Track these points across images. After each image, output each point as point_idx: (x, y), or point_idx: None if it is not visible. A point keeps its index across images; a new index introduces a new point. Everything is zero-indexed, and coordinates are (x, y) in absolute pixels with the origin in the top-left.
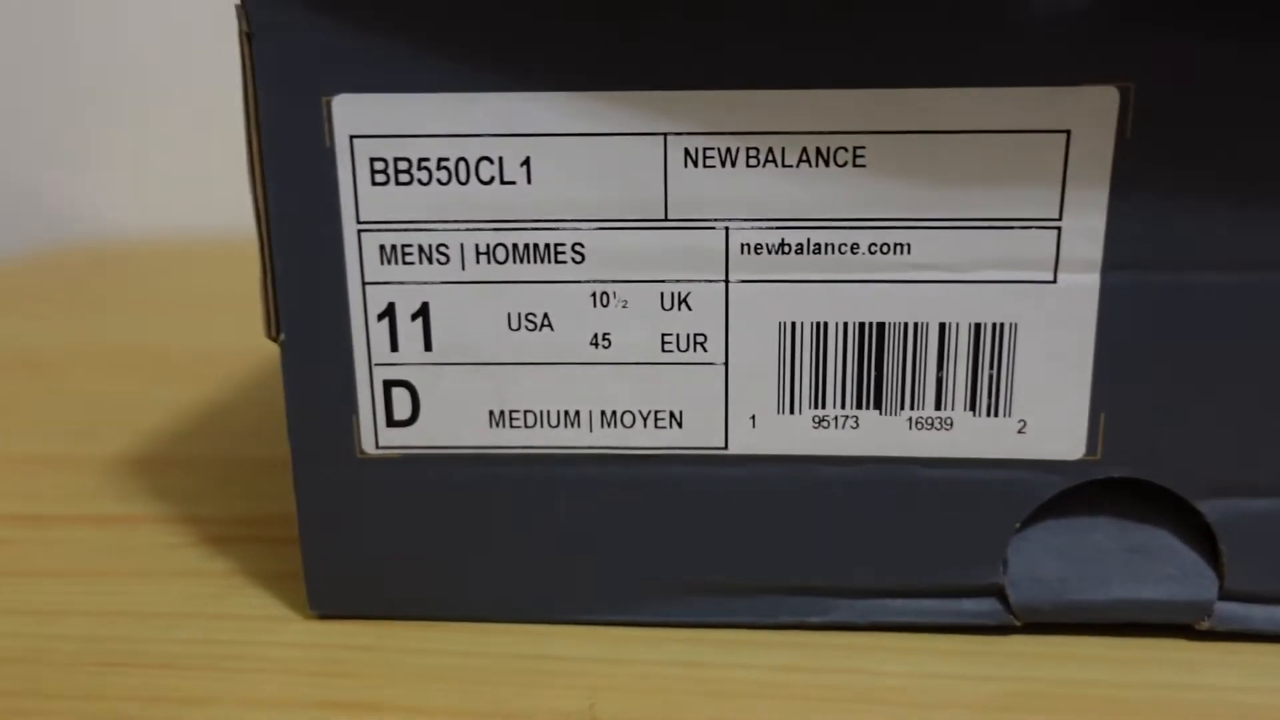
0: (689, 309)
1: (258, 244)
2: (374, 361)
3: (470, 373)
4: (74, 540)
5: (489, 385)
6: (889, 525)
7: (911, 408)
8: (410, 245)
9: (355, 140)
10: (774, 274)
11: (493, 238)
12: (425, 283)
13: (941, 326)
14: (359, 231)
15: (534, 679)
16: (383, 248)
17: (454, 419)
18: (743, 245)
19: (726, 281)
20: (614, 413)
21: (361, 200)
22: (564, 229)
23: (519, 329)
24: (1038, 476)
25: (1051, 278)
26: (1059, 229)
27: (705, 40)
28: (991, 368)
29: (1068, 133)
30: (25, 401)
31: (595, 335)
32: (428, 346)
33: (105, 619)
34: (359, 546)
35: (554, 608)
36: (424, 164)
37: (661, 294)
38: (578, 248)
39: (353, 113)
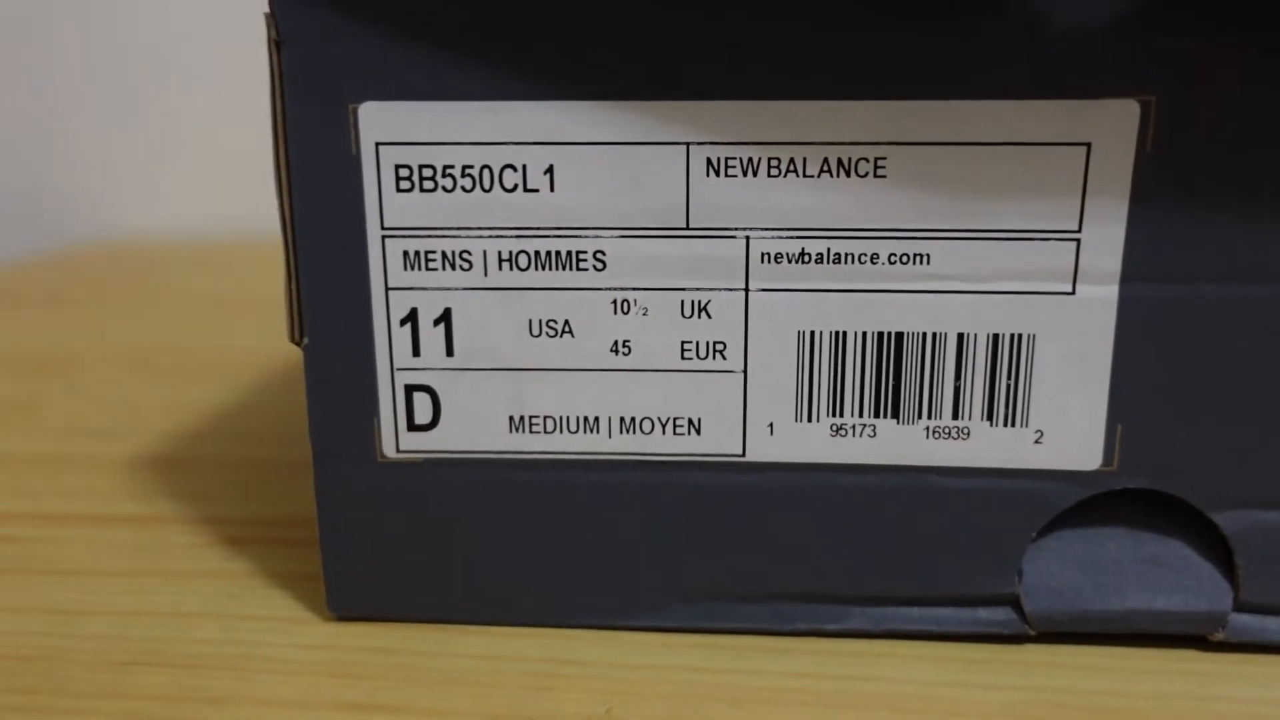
0: (709, 317)
1: (283, 248)
2: (396, 366)
3: (491, 378)
4: (94, 540)
5: (509, 390)
6: (905, 534)
7: (929, 417)
8: (433, 251)
9: (381, 147)
10: (794, 283)
11: (515, 245)
12: (448, 289)
13: (960, 336)
14: (383, 237)
15: (551, 683)
16: (406, 254)
17: (474, 424)
18: (763, 254)
19: (746, 290)
20: (633, 419)
21: (386, 206)
22: (586, 237)
23: (540, 335)
24: (1054, 487)
25: (1070, 289)
26: (1078, 241)
27: (728, 51)
28: (1009, 378)
29: (1088, 145)
30: (45, 401)
31: (615, 342)
32: (449, 352)
33: (125, 618)
34: (379, 549)
35: (571, 612)
36: (448, 171)
37: (682, 302)
38: (599, 255)
39: (378, 120)
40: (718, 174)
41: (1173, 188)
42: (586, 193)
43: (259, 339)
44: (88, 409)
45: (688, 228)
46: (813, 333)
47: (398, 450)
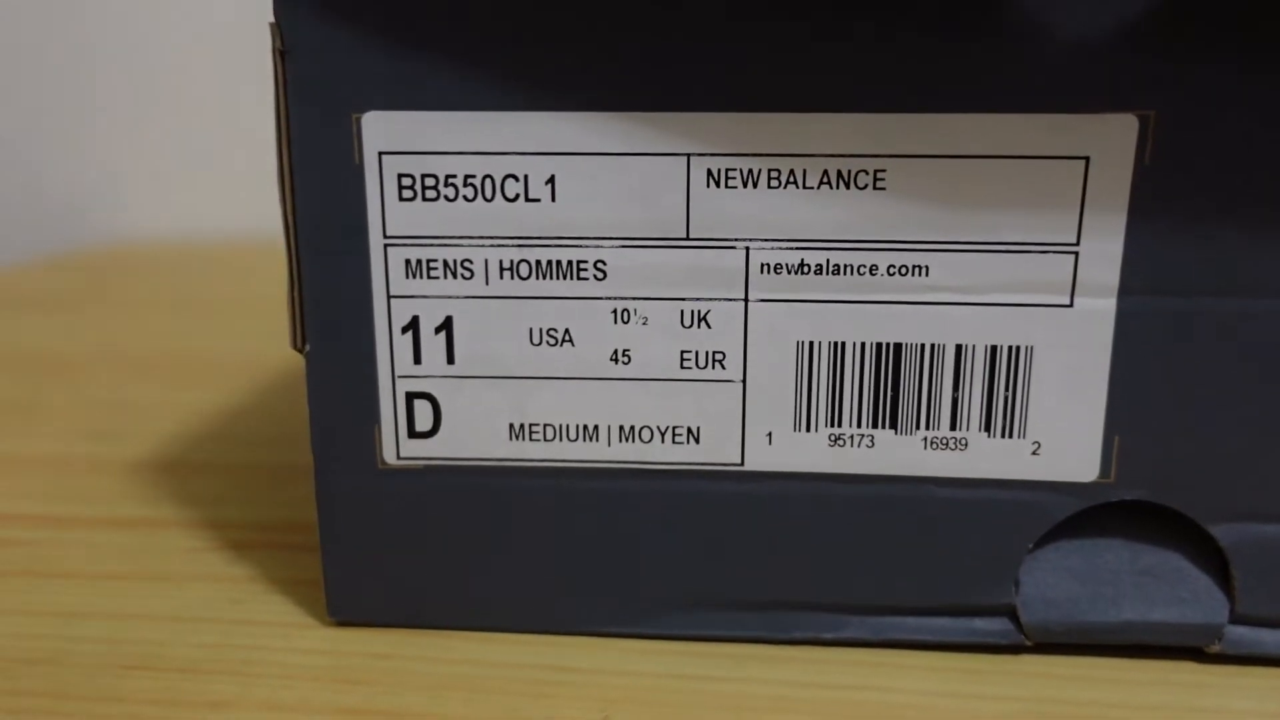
0: (708, 327)
1: (285, 256)
2: (397, 373)
3: (491, 386)
4: (96, 543)
5: (510, 398)
6: (903, 543)
7: (927, 428)
8: (435, 260)
9: (384, 157)
10: (793, 294)
11: (516, 254)
12: (449, 297)
13: (958, 348)
14: (385, 246)
15: (549, 690)
16: (408, 262)
17: (475, 431)
18: (763, 265)
19: (746, 300)
20: (632, 428)
21: (389, 215)
22: (587, 246)
23: (540, 344)
24: (1051, 498)
25: (1068, 301)
26: (1076, 254)
27: (729, 63)
28: (1007, 389)
29: (1087, 159)
30: (49, 404)
31: (615, 351)
32: (450, 359)
33: (126, 622)
34: (378, 555)
35: (570, 619)
36: (450, 181)
37: (681, 312)
38: (600, 265)
39: (382, 130)
40: (718, 185)
41: (1171, 202)
42: (587, 203)
43: (263, 342)
44: (91, 411)
45: (688, 238)
46: (812, 343)
47: (398, 457)
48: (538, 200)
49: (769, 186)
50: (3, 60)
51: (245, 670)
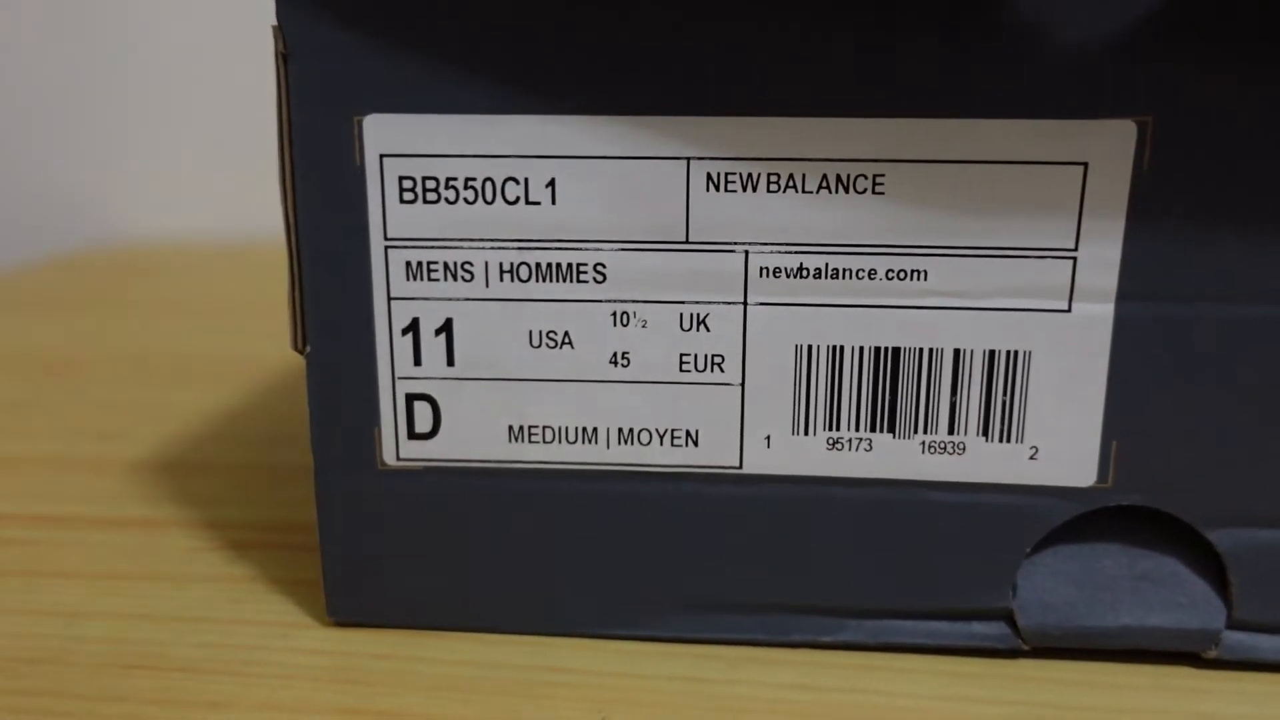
0: (707, 330)
1: (287, 257)
2: (397, 375)
3: (491, 388)
4: (97, 543)
5: (509, 401)
6: (900, 547)
7: (925, 432)
8: (436, 262)
9: (385, 159)
10: (792, 297)
11: (516, 256)
12: (449, 299)
13: (956, 352)
14: (386, 248)
15: (546, 691)
16: (409, 264)
17: (474, 433)
18: (761, 269)
19: (745, 304)
20: (631, 430)
21: (390, 217)
22: (586, 249)
23: (540, 346)
24: (1049, 502)
25: (1066, 307)
26: (1074, 259)
27: (729, 67)
28: (1005, 394)
29: (1085, 165)
30: (51, 404)
31: (615, 354)
32: (450, 361)
33: (126, 621)
34: (377, 556)
35: (568, 620)
36: (451, 183)
37: (681, 315)
38: (599, 268)
39: (383, 132)
40: (717, 189)
41: (1169, 208)
42: (587, 206)
43: (264, 343)
44: (92, 412)
45: (687, 241)
46: (810, 347)
47: (398, 458)
48: (538, 203)
49: (768, 190)
50: (4, 60)
51: (245, 670)
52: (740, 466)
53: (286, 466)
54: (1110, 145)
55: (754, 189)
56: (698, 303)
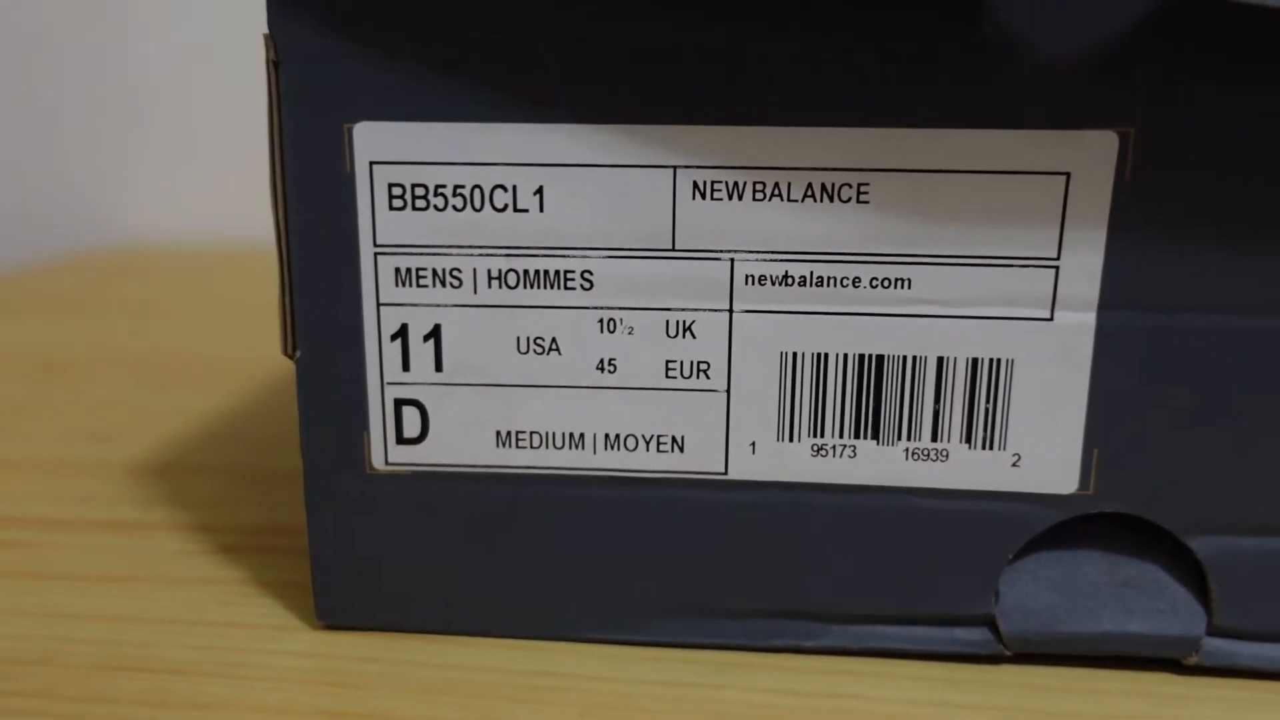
0: (693, 337)
1: (277, 263)
2: (386, 380)
3: (479, 393)
4: (91, 545)
5: (497, 406)
6: (884, 553)
7: (908, 439)
8: (424, 269)
9: (375, 166)
10: (777, 305)
11: (504, 263)
12: (438, 305)
13: (940, 360)
14: (375, 254)
15: (531, 695)
16: (398, 270)
17: (462, 438)
18: (747, 276)
19: (730, 311)
20: (618, 436)
21: (379, 224)
22: (574, 256)
23: (527, 352)
24: (1031, 509)
25: (1049, 315)
26: (1057, 268)
27: (715, 77)
28: (988, 402)
29: (1067, 175)
30: (49, 406)
31: (602, 360)
32: (438, 367)
33: (118, 623)
34: (366, 560)
35: (554, 625)
36: (440, 190)
37: (667, 321)
38: (587, 275)
39: (373, 140)
40: (704, 197)
41: (1151, 218)
42: (575, 213)
43: (263, 344)
44: (89, 414)
45: (674, 249)
46: (795, 354)
47: (386, 463)
48: (526, 210)
49: (754, 199)
50: (5, 62)
51: (234, 673)
52: (726, 472)
53: (280, 469)
54: (1092, 156)
55: (740, 197)
56: (684, 310)
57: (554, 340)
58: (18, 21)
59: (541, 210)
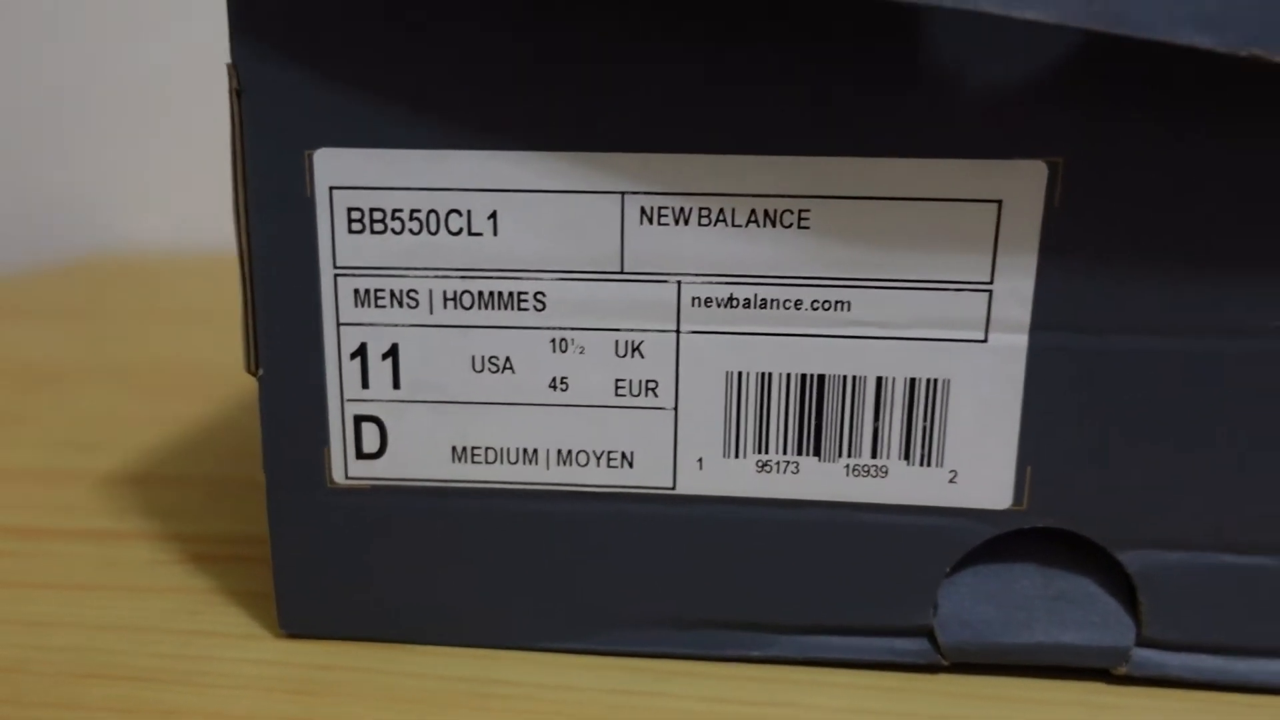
0: (642, 356)
1: (240, 284)
2: (346, 397)
3: (435, 410)
4: (66, 554)
5: (452, 422)
6: (827, 566)
7: (849, 455)
8: (382, 290)
9: (334, 191)
10: (722, 326)
11: (460, 285)
12: (395, 325)
13: (879, 380)
14: (335, 276)
15: (483, 702)
16: (357, 291)
17: (419, 453)
18: (693, 298)
19: (678, 332)
20: (569, 452)
21: (339, 247)
22: (526, 279)
23: (482, 370)
24: (967, 524)
25: (983, 337)
26: (990, 292)
27: (661, 106)
28: (925, 420)
29: (999, 202)
30: (32, 414)
31: (554, 379)
32: (396, 385)
33: (89, 631)
34: (327, 571)
35: (509, 635)
36: (397, 214)
37: (616, 342)
38: (539, 296)
39: (332, 166)
40: (651, 222)
41: (1081, 244)
42: (527, 237)
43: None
44: (74, 422)
45: (622, 272)
46: (740, 373)
47: (346, 477)
48: (480, 234)
49: (699, 224)
50: (4, 66)
51: (198, 680)
52: (674, 487)
53: (253, 480)
54: (1022, 184)
55: (685, 222)
56: (633, 330)
57: (508, 359)
58: (17, 26)
59: (495, 234)
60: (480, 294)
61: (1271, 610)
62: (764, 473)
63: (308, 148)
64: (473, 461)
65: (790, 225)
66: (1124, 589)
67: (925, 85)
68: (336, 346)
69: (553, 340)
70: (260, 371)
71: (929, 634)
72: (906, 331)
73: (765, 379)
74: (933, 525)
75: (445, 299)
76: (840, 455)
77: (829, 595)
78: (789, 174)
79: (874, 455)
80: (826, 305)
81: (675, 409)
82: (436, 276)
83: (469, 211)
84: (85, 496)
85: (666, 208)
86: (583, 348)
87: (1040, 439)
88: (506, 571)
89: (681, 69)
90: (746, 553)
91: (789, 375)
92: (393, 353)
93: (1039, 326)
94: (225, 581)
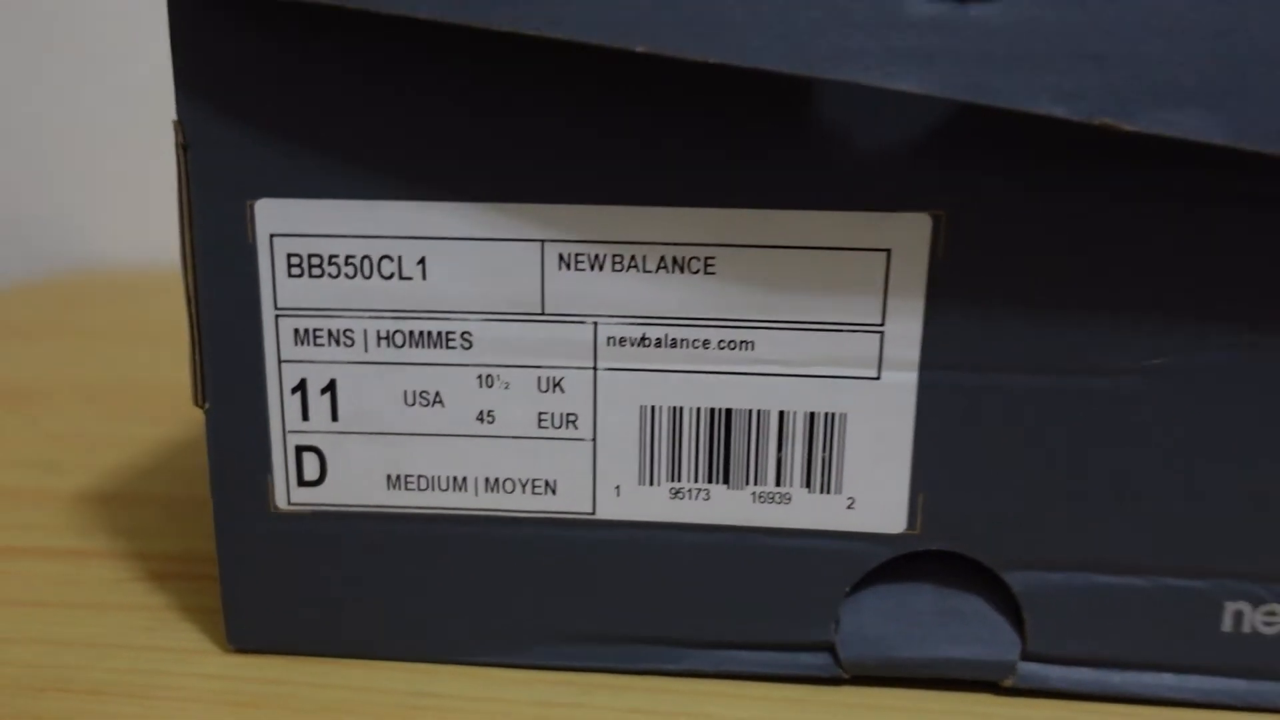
0: (562, 391)
1: (188, 324)
2: (287, 429)
3: (371, 441)
4: (29, 573)
5: (387, 452)
6: (736, 586)
7: (755, 483)
8: (320, 329)
9: (274, 238)
10: (636, 363)
11: (392, 325)
12: (333, 362)
13: (781, 414)
14: (276, 316)
15: (417, 715)
16: (297, 331)
17: (356, 481)
18: (609, 338)
19: (595, 369)
20: (496, 480)
21: (279, 290)
22: (454, 319)
23: (414, 404)
24: (865, 547)
25: (876, 374)
26: (881, 333)
27: (577, 161)
28: (824, 451)
29: (888, 251)
30: (4, 433)
31: (481, 412)
32: (334, 417)
33: (46, 647)
34: (272, 590)
35: (441, 650)
36: (333, 260)
37: (539, 378)
38: (466, 336)
39: (273, 215)
40: (569, 267)
41: (964, 290)
42: (454, 281)
43: None
44: (44, 442)
45: (543, 313)
46: (653, 407)
47: (289, 503)
48: (410, 278)
49: (613, 270)
50: None
51: (148, 694)
52: (594, 513)
53: (209, 500)
54: (909, 234)
55: (600, 268)
56: (553, 367)
57: (438, 394)
58: None
59: (424, 278)
60: (411, 333)
61: (1143, 626)
62: (677, 499)
63: (250, 198)
64: (406, 489)
65: (698, 271)
66: (1010, 607)
67: (819, 144)
68: (278, 382)
69: (479, 376)
70: (207, 404)
71: (831, 649)
72: (806, 369)
73: (677, 412)
74: (833, 548)
75: (379, 338)
76: (747, 483)
77: (738, 613)
78: (696, 224)
79: (778, 483)
80: (732, 345)
81: (594, 440)
82: (371, 317)
83: (400, 257)
84: (50, 516)
85: (583, 254)
86: (507, 383)
87: (931, 469)
88: (439, 591)
89: (596, 128)
90: (661, 573)
91: (699, 409)
92: (331, 387)
93: (928, 365)
94: (181, 598)
